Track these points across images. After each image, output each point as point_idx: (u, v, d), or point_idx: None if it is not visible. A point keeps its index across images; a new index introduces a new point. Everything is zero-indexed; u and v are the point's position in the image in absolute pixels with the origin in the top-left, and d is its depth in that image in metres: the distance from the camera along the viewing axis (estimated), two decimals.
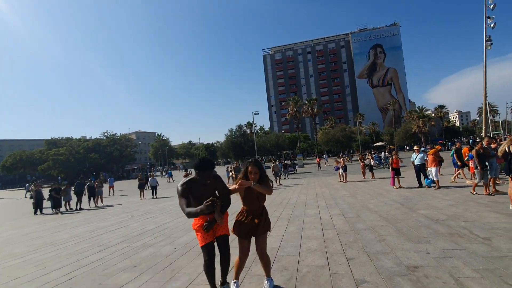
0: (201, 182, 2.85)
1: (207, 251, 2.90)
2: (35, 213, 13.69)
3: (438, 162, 10.72)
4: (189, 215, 2.71)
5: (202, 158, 2.87)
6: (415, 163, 10.89)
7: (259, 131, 70.50)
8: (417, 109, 71.13)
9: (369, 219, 6.20)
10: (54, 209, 13.70)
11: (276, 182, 16.89)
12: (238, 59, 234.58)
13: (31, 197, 15.43)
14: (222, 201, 2.96)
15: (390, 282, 3.11)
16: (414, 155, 11.22)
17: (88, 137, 69.83)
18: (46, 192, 14.60)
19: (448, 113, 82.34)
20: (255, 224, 2.96)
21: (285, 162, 24.97)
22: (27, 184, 14.51)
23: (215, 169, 2.91)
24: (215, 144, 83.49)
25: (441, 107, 69.20)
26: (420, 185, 10.59)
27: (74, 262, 4.95)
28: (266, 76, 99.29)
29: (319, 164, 29.01)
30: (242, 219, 2.99)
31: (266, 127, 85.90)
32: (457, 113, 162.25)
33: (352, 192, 10.85)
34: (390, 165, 11.67)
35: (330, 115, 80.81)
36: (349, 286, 3.09)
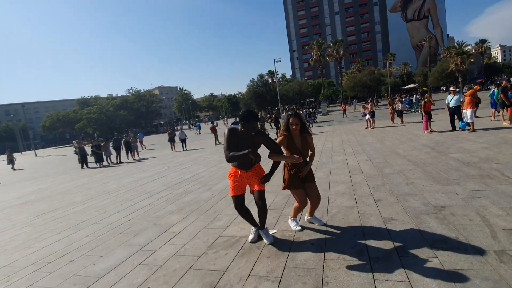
0: (246, 134, 2.95)
1: (236, 202, 3.13)
2: (82, 167, 15.26)
3: (475, 103, 10.08)
4: (231, 158, 2.92)
5: (246, 110, 2.95)
6: (450, 105, 10.33)
7: (281, 79, 68.31)
8: (455, 44, 63.81)
9: (397, 164, 6.28)
10: (97, 163, 15.16)
11: None
12: (257, 4, 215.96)
13: (75, 153, 17.01)
14: (276, 150, 3.12)
15: (417, 219, 3.32)
16: (449, 96, 10.57)
17: (114, 95, 72.13)
18: (87, 148, 16.03)
19: (489, 48, 73.37)
20: (301, 175, 3.20)
21: (309, 110, 24.58)
22: (74, 142, 16.09)
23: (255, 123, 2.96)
24: (237, 96, 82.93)
25: (483, 41, 61.60)
26: (454, 129, 10.19)
27: (128, 207, 5.70)
28: (287, 18, 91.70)
29: (344, 110, 28.24)
30: (289, 172, 3.20)
31: (288, 74, 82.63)
32: (499, 47, 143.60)
33: (380, 138, 10.74)
34: (421, 109, 11.16)
35: (357, 57, 75.15)
36: (377, 223, 3.36)
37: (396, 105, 15.58)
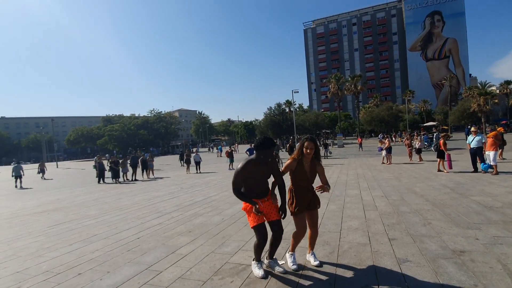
0: (263, 161, 2.98)
1: (260, 231, 2.98)
2: (99, 182, 15.69)
3: (498, 145, 9.77)
4: (237, 195, 3.02)
5: (264, 137, 3.02)
6: (472, 146, 10.05)
7: (298, 109, 69.30)
8: (478, 84, 62.97)
9: (414, 203, 6.07)
10: (114, 179, 15.56)
11: None
12: (277, 35, 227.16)
13: (94, 167, 17.62)
14: (278, 182, 3.18)
15: (434, 263, 3.16)
16: (470, 137, 10.34)
17: (136, 115, 75.43)
18: (106, 164, 16.59)
19: None
20: (308, 200, 3.17)
21: (325, 141, 24.53)
22: (95, 158, 16.79)
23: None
24: (253, 122, 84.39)
25: (508, 82, 60.35)
26: (475, 170, 9.81)
27: (139, 225, 5.76)
28: (307, 52, 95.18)
29: (360, 144, 27.94)
30: (295, 197, 3.15)
31: (305, 105, 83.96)
32: None
33: (396, 175, 10.47)
34: (438, 148, 10.89)
35: (375, 93, 75.61)
36: (391, 264, 3.22)
37: (414, 142, 15.29)
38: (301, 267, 3.25)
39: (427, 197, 6.51)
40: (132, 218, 6.47)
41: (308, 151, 3.07)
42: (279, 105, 54.84)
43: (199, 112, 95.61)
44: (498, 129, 11.01)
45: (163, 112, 70.91)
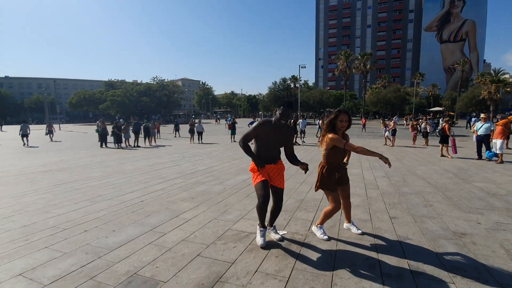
0: (281, 123, 2.93)
1: (261, 190, 2.87)
2: (101, 146, 15.77)
3: (507, 135, 9.62)
4: (244, 149, 2.99)
5: (290, 100, 2.99)
6: (479, 133, 9.91)
7: (303, 86, 67.89)
8: (491, 71, 61.02)
9: (416, 185, 6.08)
10: (116, 144, 15.63)
11: (301, 139, 16.54)
12: (287, 6, 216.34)
13: (96, 131, 17.59)
14: (290, 152, 3.17)
15: (434, 243, 3.20)
16: (479, 124, 10.18)
17: (139, 81, 74.21)
18: (109, 128, 16.59)
19: None
20: (338, 177, 3.14)
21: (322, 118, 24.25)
22: (98, 121, 16.68)
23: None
24: (257, 96, 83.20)
25: None
26: (480, 157, 9.75)
27: (142, 189, 5.84)
28: (317, 25, 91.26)
29: (364, 125, 27.72)
30: (328, 175, 3.09)
31: (311, 82, 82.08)
32: None
33: (399, 157, 10.45)
34: (443, 133, 10.76)
35: (384, 73, 73.48)
36: (391, 240, 3.26)
37: (423, 124, 15.10)
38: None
39: (429, 180, 6.52)
40: (136, 182, 6.54)
41: (343, 123, 2.98)
42: (284, 80, 53.68)
43: (202, 82, 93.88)
44: (509, 117, 10.75)
45: (166, 80, 69.64)
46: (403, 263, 2.74)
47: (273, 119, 3.00)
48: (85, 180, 6.85)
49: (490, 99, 47.13)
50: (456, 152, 10.35)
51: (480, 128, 9.96)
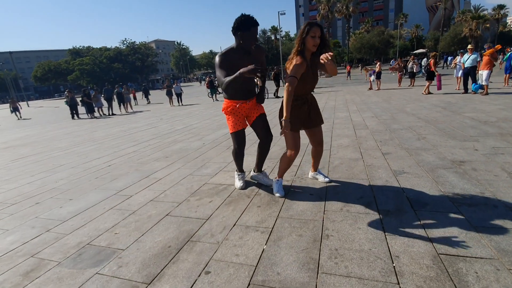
0: (246, 46, 2.32)
1: (238, 137, 2.68)
2: (73, 117, 14.63)
3: (492, 65, 9.29)
4: (228, 85, 2.21)
5: (243, 14, 2.25)
6: (466, 65, 9.53)
7: (284, 38, 64.55)
8: (472, 8, 59.51)
9: (406, 121, 5.75)
10: (88, 114, 14.52)
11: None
12: None
13: (66, 103, 16.20)
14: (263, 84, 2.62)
15: (433, 173, 2.89)
16: (466, 55, 9.72)
17: (108, 47, 68.49)
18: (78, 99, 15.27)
19: (507, 16, 68.74)
20: (307, 113, 2.48)
21: None
22: (65, 93, 15.14)
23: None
24: None
25: (501, 7, 57.60)
26: (466, 91, 9.51)
27: (111, 153, 5.26)
28: None
29: (349, 72, 26.94)
30: (293, 108, 2.37)
31: (292, 33, 77.99)
32: None
33: (386, 98, 10.08)
34: (429, 69, 10.40)
35: (367, 17, 70.27)
36: (386, 175, 2.93)
37: (410, 64, 14.61)
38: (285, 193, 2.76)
39: (419, 116, 6.21)
40: (105, 147, 5.93)
41: (316, 40, 2.18)
42: (264, 32, 50.62)
43: (177, 42, 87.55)
44: (495, 46, 10.30)
45: (137, 43, 64.48)
46: (402, 198, 2.41)
47: (235, 44, 2.39)
48: (49, 151, 6.17)
49: (471, 36, 46.66)
50: (440, 89, 10.11)
51: (467, 60, 9.55)
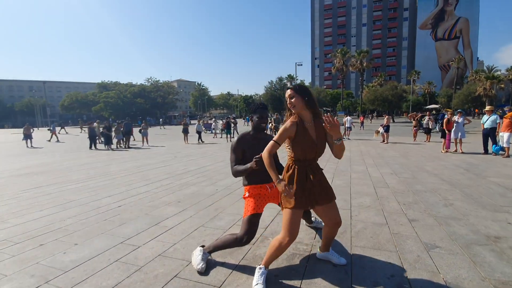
0: (258, 129, 2.44)
1: (254, 222, 2.26)
2: (90, 147, 15.02)
3: None
4: (236, 173, 2.35)
5: (255, 102, 2.46)
6: (485, 126, 9.42)
7: None
8: (485, 68, 61.28)
9: (429, 181, 5.50)
10: (106, 145, 14.90)
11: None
12: (282, 5, 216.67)
13: (85, 132, 16.74)
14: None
15: (468, 250, 2.60)
16: (485, 117, 9.68)
17: (134, 83, 73.22)
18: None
19: None
20: (312, 185, 2.03)
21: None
22: (80, 122, 15.80)
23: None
24: (253, 97, 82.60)
25: None
26: (486, 152, 9.25)
27: (123, 192, 5.18)
28: (312, 24, 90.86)
29: (362, 123, 27.22)
30: (294, 178, 2.01)
31: (307, 82, 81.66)
32: None
33: (403, 153, 9.89)
34: (441, 127, 10.41)
35: (380, 71, 73.31)
36: (417, 249, 2.66)
37: (426, 120, 14.63)
38: None
39: (441, 177, 5.95)
40: (117, 184, 5.87)
41: (292, 100, 1.98)
42: (280, 79, 53.17)
43: (198, 83, 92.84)
44: None
45: (161, 82, 68.72)
46: (439, 279, 2.13)
47: (252, 125, 2.48)
48: (61, 183, 6.16)
49: (485, 95, 47.22)
50: (449, 148, 9.95)
51: (486, 121, 9.47)
